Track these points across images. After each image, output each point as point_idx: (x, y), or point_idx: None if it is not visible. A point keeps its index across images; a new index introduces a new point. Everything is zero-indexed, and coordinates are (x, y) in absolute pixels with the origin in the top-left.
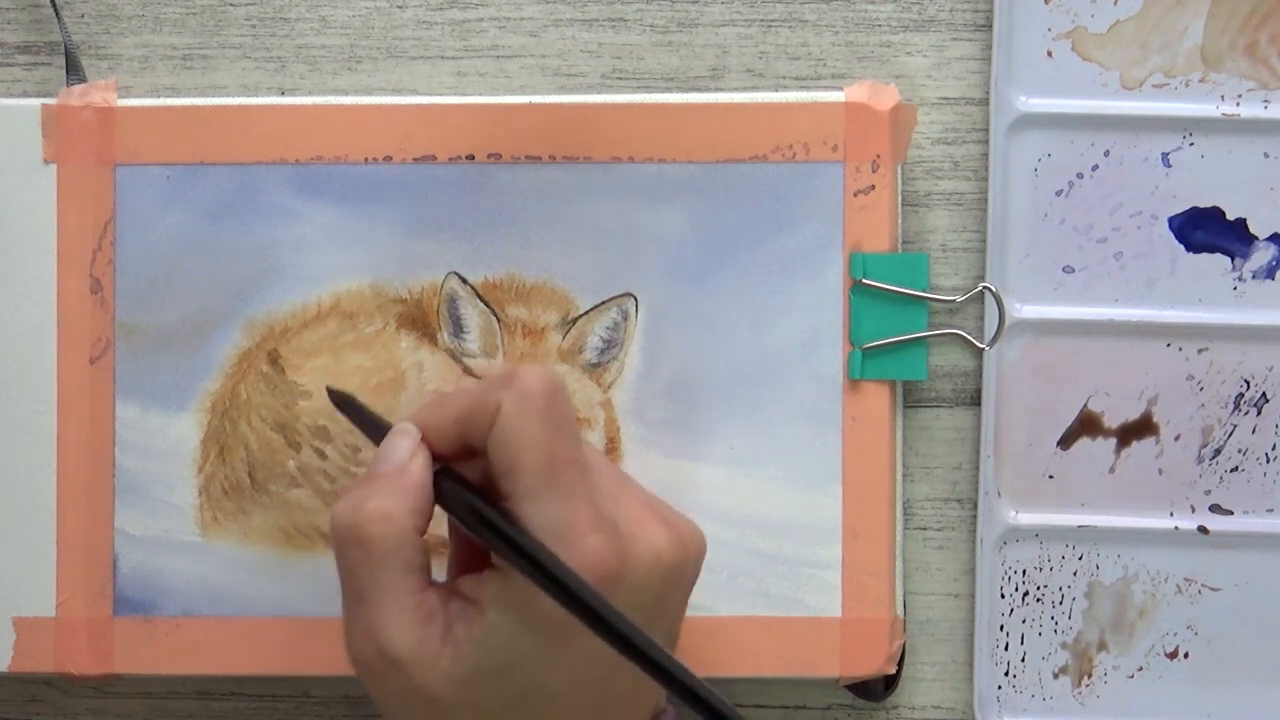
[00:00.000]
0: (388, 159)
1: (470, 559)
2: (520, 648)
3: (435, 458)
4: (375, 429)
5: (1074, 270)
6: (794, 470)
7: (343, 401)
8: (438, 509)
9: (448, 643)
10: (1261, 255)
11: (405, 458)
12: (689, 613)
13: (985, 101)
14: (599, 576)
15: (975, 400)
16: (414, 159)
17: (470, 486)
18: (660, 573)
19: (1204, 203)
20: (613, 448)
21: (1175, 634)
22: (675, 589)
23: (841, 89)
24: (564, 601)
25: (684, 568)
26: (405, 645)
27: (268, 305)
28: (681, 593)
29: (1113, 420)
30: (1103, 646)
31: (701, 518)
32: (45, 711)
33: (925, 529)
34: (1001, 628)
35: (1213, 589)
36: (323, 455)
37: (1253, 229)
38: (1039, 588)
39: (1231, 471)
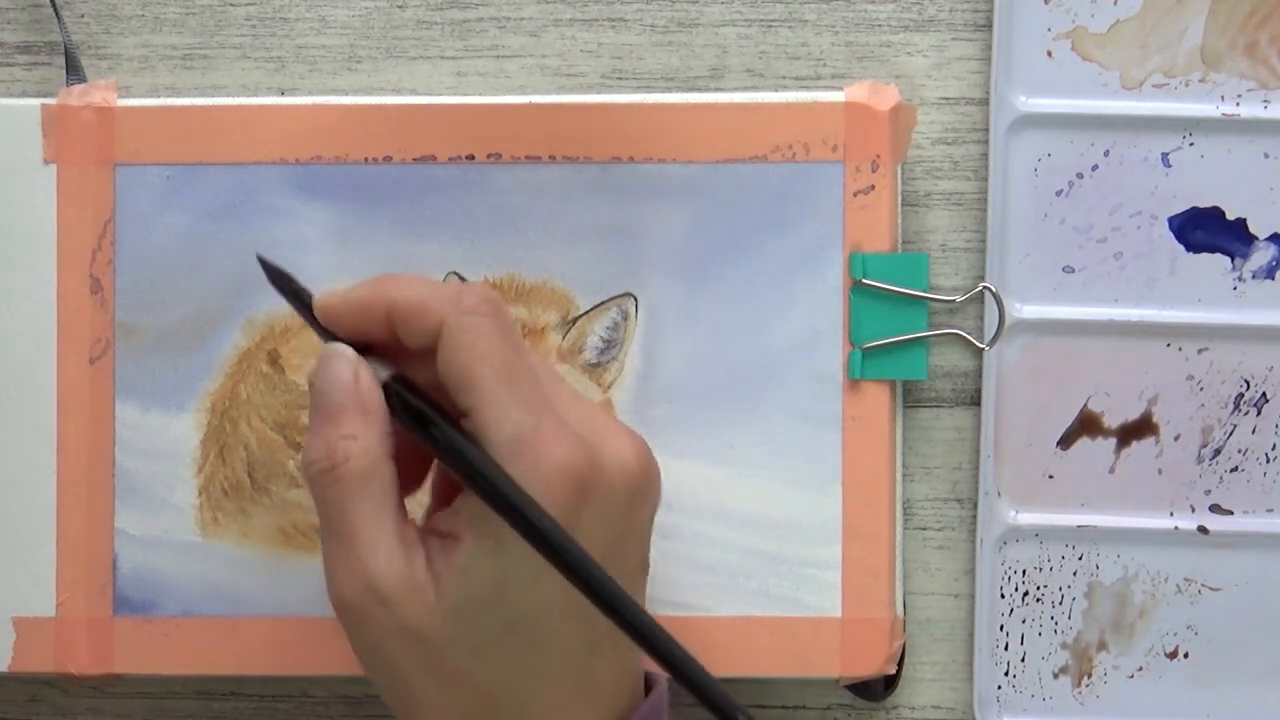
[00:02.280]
0: (388, 159)
1: (444, 493)
2: (501, 569)
3: (364, 344)
4: (305, 307)
5: (1074, 270)
6: (794, 470)
7: (275, 275)
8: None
9: (430, 574)
10: (1261, 255)
11: (349, 378)
12: (688, 613)
13: (985, 101)
14: (571, 481)
15: (975, 400)
16: (414, 159)
17: (424, 397)
18: (628, 481)
19: (1204, 203)
20: None
21: (1175, 634)
22: (643, 501)
23: (841, 89)
24: (520, 525)
25: (650, 479)
26: (392, 577)
27: (268, 305)
28: (649, 507)
29: (1113, 420)
30: (1103, 646)
31: (701, 518)
32: (45, 711)
33: (925, 529)
34: (1001, 628)
35: (1213, 589)
36: None
37: (1253, 229)
38: (1039, 588)
39: (1231, 471)
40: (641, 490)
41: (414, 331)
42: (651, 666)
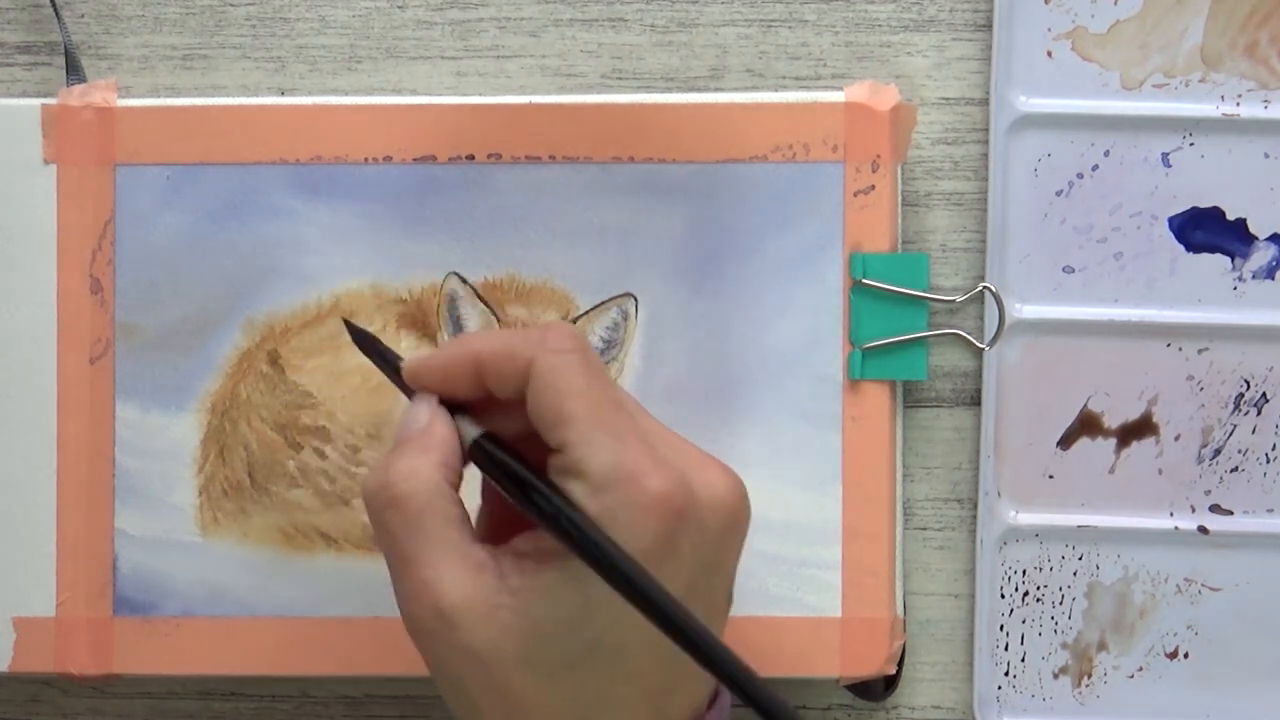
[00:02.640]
0: (388, 159)
1: (502, 522)
2: (590, 594)
3: (455, 402)
4: (393, 371)
5: (1074, 270)
6: (794, 470)
7: (362, 338)
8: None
9: (503, 593)
10: (1261, 255)
11: (425, 421)
12: None
13: (985, 101)
14: (667, 512)
15: (975, 400)
16: (414, 159)
17: (507, 446)
18: (721, 515)
19: (1204, 203)
20: None
21: (1175, 634)
22: (734, 535)
23: (841, 89)
24: (594, 566)
25: (743, 512)
26: (460, 597)
27: (268, 305)
28: (738, 541)
29: (1113, 420)
30: (1103, 646)
31: None
32: (45, 711)
33: (925, 529)
34: (1001, 628)
35: (1213, 589)
36: (323, 455)
37: (1253, 229)
38: (1039, 588)
39: (1231, 471)
40: (734, 523)
41: (504, 378)
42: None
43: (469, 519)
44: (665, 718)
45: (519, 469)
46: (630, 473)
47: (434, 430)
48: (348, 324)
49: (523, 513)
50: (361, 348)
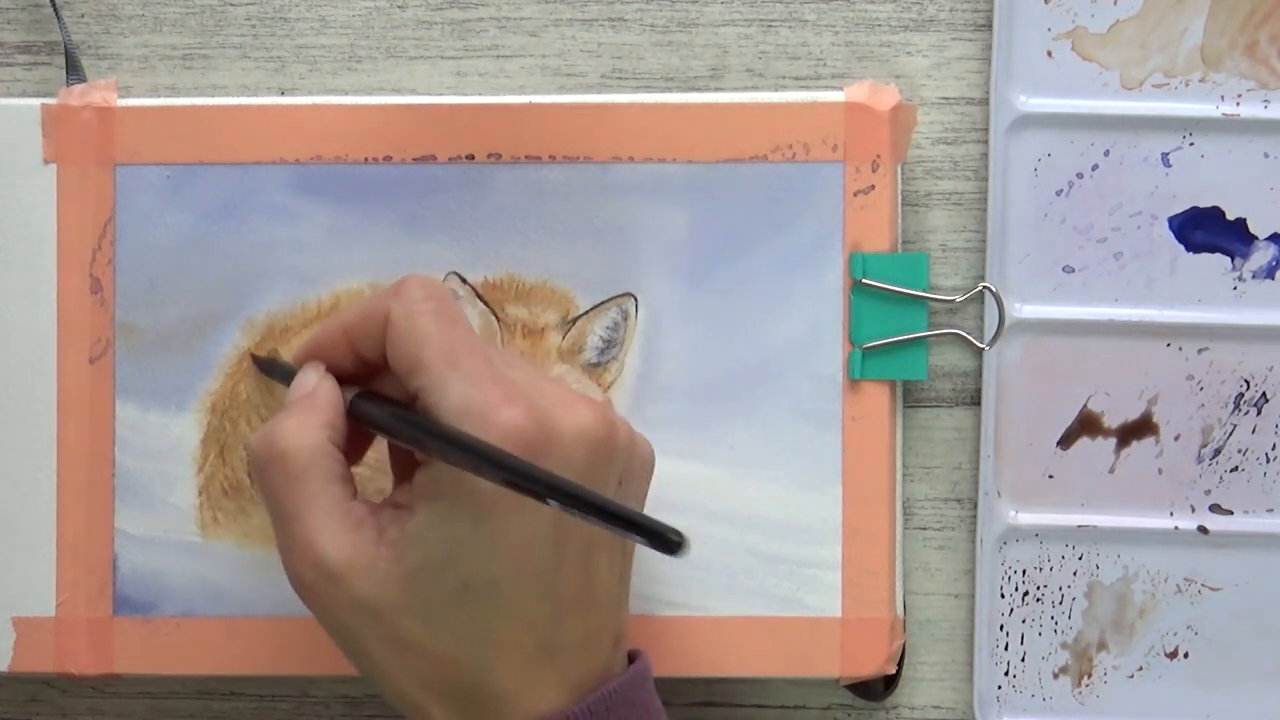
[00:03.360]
0: (388, 159)
1: (402, 476)
2: (454, 534)
3: (340, 373)
4: (289, 377)
5: (1074, 270)
6: (794, 470)
7: (265, 366)
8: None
9: (382, 545)
10: (1261, 255)
11: (312, 384)
12: (688, 613)
13: (985, 101)
14: (518, 444)
15: (975, 400)
16: (414, 159)
17: (385, 400)
18: (586, 445)
19: (1204, 203)
20: None
21: (1175, 634)
22: (605, 466)
23: (841, 89)
24: (483, 469)
25: (613, 445)
26: (340, 553)
27: (268, 305)
28: (613, 474)
29: (1113, 420)
30: (1103, 646)
31: (701, 518)
32: (45, 711)
33: (925, 529)
34: (1001, 628)
35: (1213, 589)
36: None
37: (1253, 229)
38: (1039, 588)
39: (1231, 471)
40: (603, 454)
41: (370, 338)
42: (635, 644)
43: (352, 478)
44: (556, 651)
45: (384, 409)
46: (480, 408)
47: (319, 393)
48: (254, 358)
49: (401, 455)
50: (266, 373)
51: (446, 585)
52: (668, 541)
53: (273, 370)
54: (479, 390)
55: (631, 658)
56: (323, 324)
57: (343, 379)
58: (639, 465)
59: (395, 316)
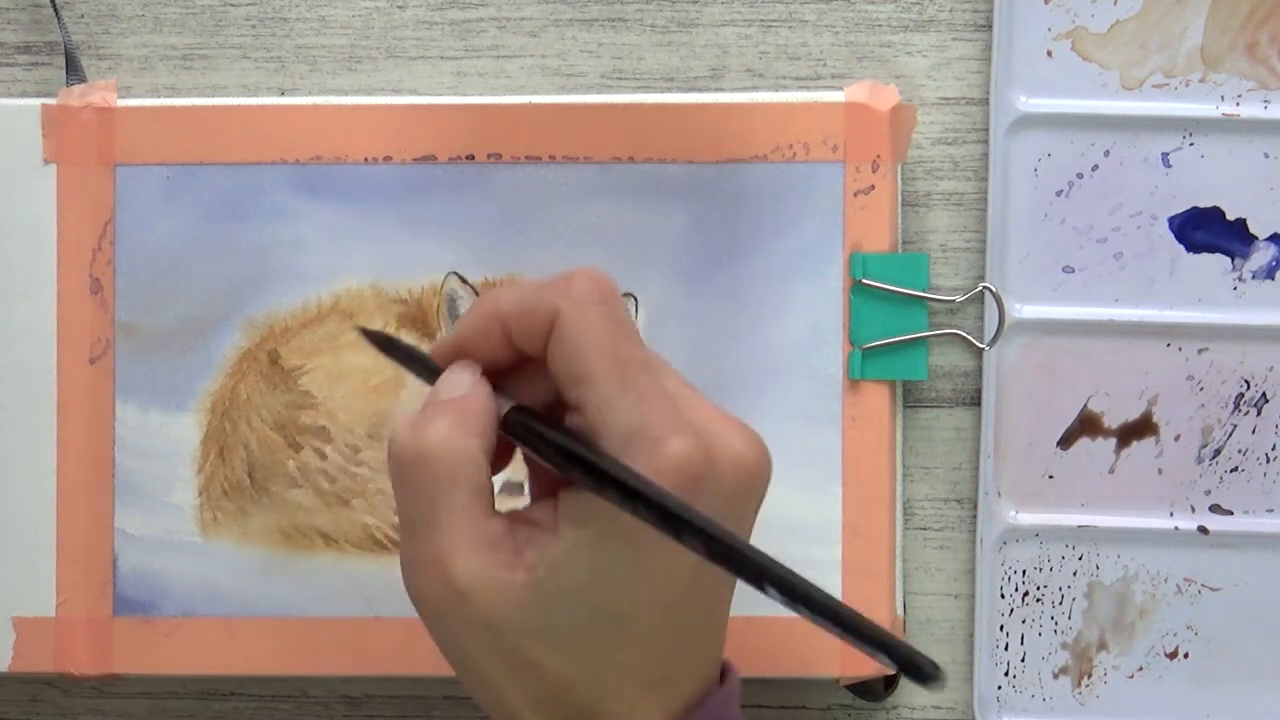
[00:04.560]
0: (388, 159)
1: (543, 493)
2: (600, 564)
3: (487, 364)
4: (421, 365)
5: (1074, 270)
6: (794, 470)
7: (383, 342)
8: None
9: (518, 568)
10: (1261, 255)
11: (466, 388)
12: None
13: (985, 101)
14: (684, 478)
15: (975, 400)
16: (414, 159)
17: (544, 420)
18: (741, 476)
19: (1204, 203)
20: None
21: (1175, 634)
22: (753, 496)
23: (841, 89)
24: (645, 513)
25: (762, 473)
26: (472, 571)
27: (268, 305)
28: (757, 501)
29: (1113, 420)
30: (1103, 646)
31: None
32: (45, 711)
33: (925, 529)
34: (1001, 628)
35: (1213, 589)
36: (323, 455)
37: (1253, 229)
38: (1039, 588)
39: (1231, 471)
40: (753, 484)
41: (532, 336)
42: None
43: (492, 492)
44: (671, 677)
45: (550, 431)
46: (650, 435)
47: (474, 397)
48: (363, 331)
49: (556, 476)
50: (386, 352)
51: (582, 610)
52: (919, 671)
53: (395, 352)
54: (650, 415)
55: (722, 670)
56: (476, 305)
57: (492, 366)
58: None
59: (565, 317)
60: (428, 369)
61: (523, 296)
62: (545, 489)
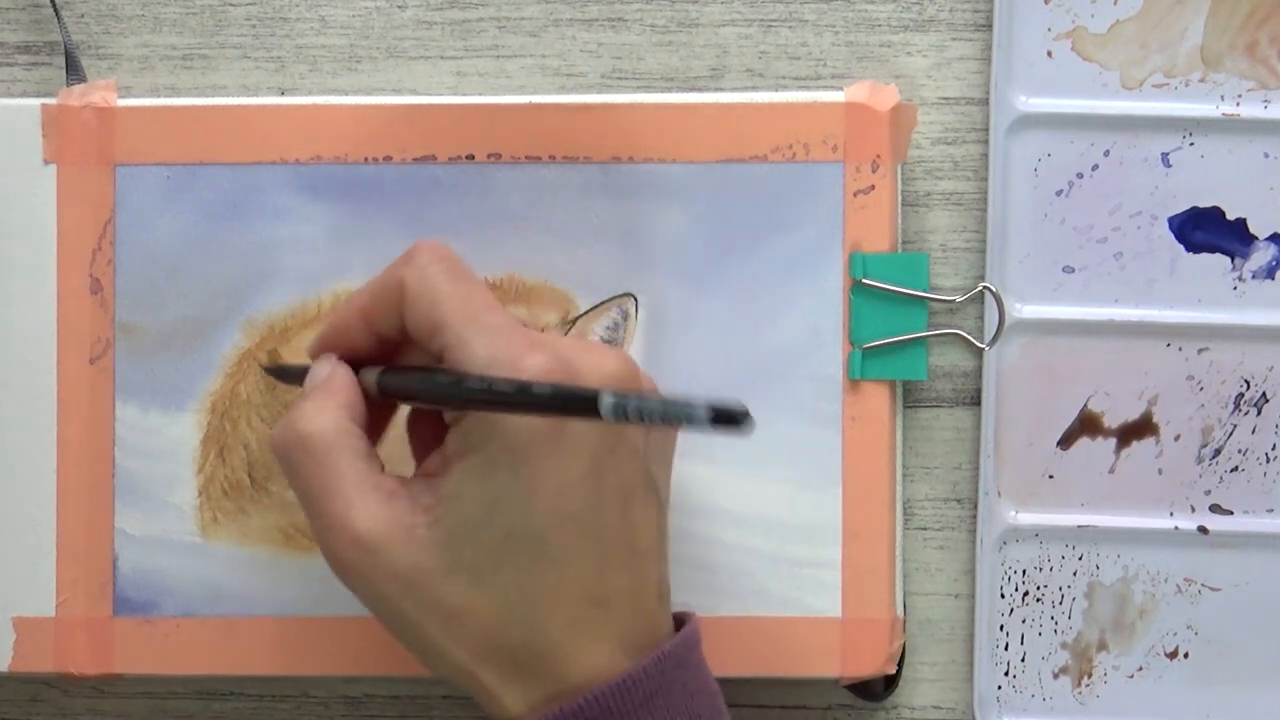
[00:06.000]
0: (388, 159)
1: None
2: (490, 487)
3: (356, 360)
4: (303, 376)
5: (1074, 270)
6: (794, 470)
7: (277, 373)
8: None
9: (417, 512)
10: (1261, 255)
11: (326, 373)
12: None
13: (985, 101)
14: None
15: (975, 400)
16: (414, 159)
17: (411, 368)
18: (609, 385)
19: (1204, 203)
20: None
21: (1175, 634)
22: None
23: (841, 89)
24: (528, 404)
25: (633, 382)
26: (376, 524)
27: (268, 305)
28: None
29: (1113, 420)
30: (1103, 646)
31: (701, 518)
32: (45, 711)
33: (925, 529)
34: (1001, 628)
35: (1213, 589)
36: None
37: (1253, 229)
38: (1039, 588)
39: (1231, 471)
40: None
41: (388, 314)
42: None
43: (377, 455)
44: (605, 604)
45: (413, 375)
46: (506, 359)
47: (334, 378)
48: (265, 368)
49: (424, 434)
50: (279, 378)
51: (487, 540)
52: (734, 416)
53: (285, 375)
54: (502, 340)
55: (678, 619)
56: (334, 312)
57: (363, 363)
58: None
59: (409, 281)
60: (303, 373)
61: (371, 283)
62: (427, 451)
